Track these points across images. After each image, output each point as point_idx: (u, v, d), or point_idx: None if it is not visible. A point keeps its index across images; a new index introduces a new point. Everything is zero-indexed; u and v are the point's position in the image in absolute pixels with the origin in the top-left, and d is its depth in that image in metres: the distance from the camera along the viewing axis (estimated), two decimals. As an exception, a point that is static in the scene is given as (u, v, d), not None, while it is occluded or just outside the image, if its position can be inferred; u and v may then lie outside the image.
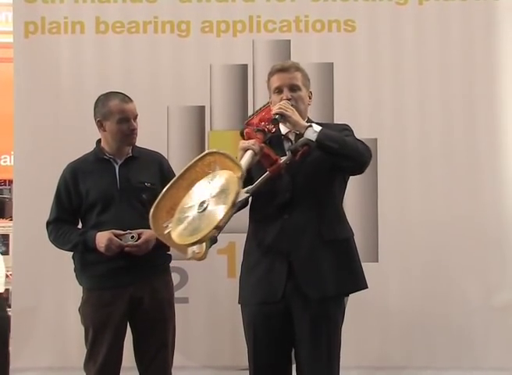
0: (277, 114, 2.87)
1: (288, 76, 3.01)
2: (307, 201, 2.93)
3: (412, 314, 3.81)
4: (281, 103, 2.93)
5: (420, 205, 3.87)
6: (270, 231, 2.94)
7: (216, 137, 3.89)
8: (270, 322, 2.93)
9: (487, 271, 3.84)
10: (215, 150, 2.79)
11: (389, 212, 3.87)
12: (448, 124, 3.91)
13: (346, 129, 3.05)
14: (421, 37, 3.93)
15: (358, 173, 3.00)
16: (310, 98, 3.08)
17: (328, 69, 3.89)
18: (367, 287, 3.01)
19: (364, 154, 2.91)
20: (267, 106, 3.17)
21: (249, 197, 2.74)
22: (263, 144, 2.85)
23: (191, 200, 2.67)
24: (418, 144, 3.90)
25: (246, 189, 2.66)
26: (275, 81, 3.02)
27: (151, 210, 2.77)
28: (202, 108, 3.95)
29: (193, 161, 2.77)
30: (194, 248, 2.61)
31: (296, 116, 2.89)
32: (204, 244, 2.59)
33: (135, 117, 3.32)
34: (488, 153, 3.88)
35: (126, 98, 3.31)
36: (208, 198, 2.60)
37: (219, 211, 2.55)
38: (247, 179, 2.73)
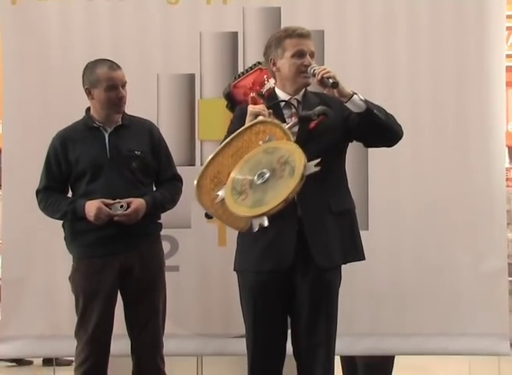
0: (330, 78, 2.85)
1: (309, 43, 3.01)
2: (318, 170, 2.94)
3: (401, 281, 3.83)
4: (324, 67, 2.91)
5: (410, 174, 3.87)
6: None
7: (206, 105, 3.87)
8: (272, 290, 2.95)
9: (475, 238, 3.84)
10: (266, 119, 2.74)
11: (379, 180, 3.87)
12: (439, 96, 3.88)
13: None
14: (414, 4, 3.90)
15: (390, 146, 3.06)
16: None
17: (318, 36, 3.83)
18: (365, 259, 3.08)
19: (399, 126, 2.98)
20: (256, 68, 3.14)
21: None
22: (270, 110, 2.84)
23: (247, 170, 2.60)
24: (409, 113, 3.88)
25: (314, 162, 2.59)
26: (298, 44, 2.98)
27: (197, 178, 2.72)
28: (192, 76, 3.91)
29: (241, 129, 2.71)
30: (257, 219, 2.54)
31: (341, 83, 2.88)
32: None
33: (123, 85, 3.29)
34: (477, 128, 3.86)
35: (114, 66, 3.28)
36: (269, 169, 2.54)
37: (287, 183, 2.49)
38: None
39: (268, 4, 3.89)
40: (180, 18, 3.89)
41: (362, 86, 3.80)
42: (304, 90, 3.05)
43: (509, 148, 6.54)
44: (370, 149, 3.80)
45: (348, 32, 3.89)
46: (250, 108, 2.85)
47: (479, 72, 3.87)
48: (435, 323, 3.85)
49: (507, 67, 3.94)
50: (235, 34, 3.90)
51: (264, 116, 2.78)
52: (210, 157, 2.68)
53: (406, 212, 3.87)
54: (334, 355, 3.07)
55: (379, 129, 2.91)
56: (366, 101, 2.89)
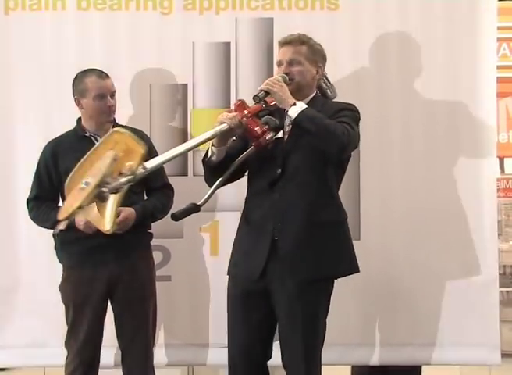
0: (262, 90, 2.87)
1: (289, 50, 3.00)
2: (299, 181, 2.93)
3: (393, 292, 3.84)
4: (271, 78, 2.93)
5: (401, 185, 3.87)
6: (258, 207, 2.95)
7: (199, 115, 3.88)
8: (248, 299, 2.94)
9: (467, 249, 3.84)
10: (118, 129, 2.78)
11: (370, 190, 3.87)
12: (430, 107, 3.88)
13: (346, 109, 3.02)
14: (405, 15, 3.91)
15: (336, 158, 2.94)
16: (318, 73, 3.06)
17: (311, 47, 3.86)
18: (350, 273, 3.05)
19: (340, 138, 2.82)
20: None
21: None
22: (243, 119, 2.84)
23: (86, 176, 2.64)
24: (400, 124, 3.90)
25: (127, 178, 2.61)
26: (278, 55, 3.05)
27: (67, 181, 2.75)
28: (185, 87, 3.92)
29: (104, 137, 2.77)
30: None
31: (283, 93, 2.86)
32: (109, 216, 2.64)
33: (112, 94, 3.30)
34: (468, 138, 3.87)
35: (102, 75, 3.29)
36: (91, 177, 2.59)
37: (82, 193, 2.55)
38: (233, 150, 2.79)
39: (260, 15, 3.91)
40: (173, 28, 3.90)
41: (353, 97, 3.81)
42: (312, 96, 3.05)
43: (500, 158, 6.56)
44: (362, 159, 3.83)
45: (340, 43, 3.91)
46: (219, 115, 2.88)
47: (470, 83, 3.87)
48: (426, 333, 3.86)
49: (498, 78, 3.96)
50: (227, 45, 3.91)
51: (228, 124, 2.80)
52: (77, 165, 2.72)
53: (397, 223, 3.87)
54: (320, 368, 3.04)
55: (313, 140, 2.87)
56: (301, 113, 2.83)
